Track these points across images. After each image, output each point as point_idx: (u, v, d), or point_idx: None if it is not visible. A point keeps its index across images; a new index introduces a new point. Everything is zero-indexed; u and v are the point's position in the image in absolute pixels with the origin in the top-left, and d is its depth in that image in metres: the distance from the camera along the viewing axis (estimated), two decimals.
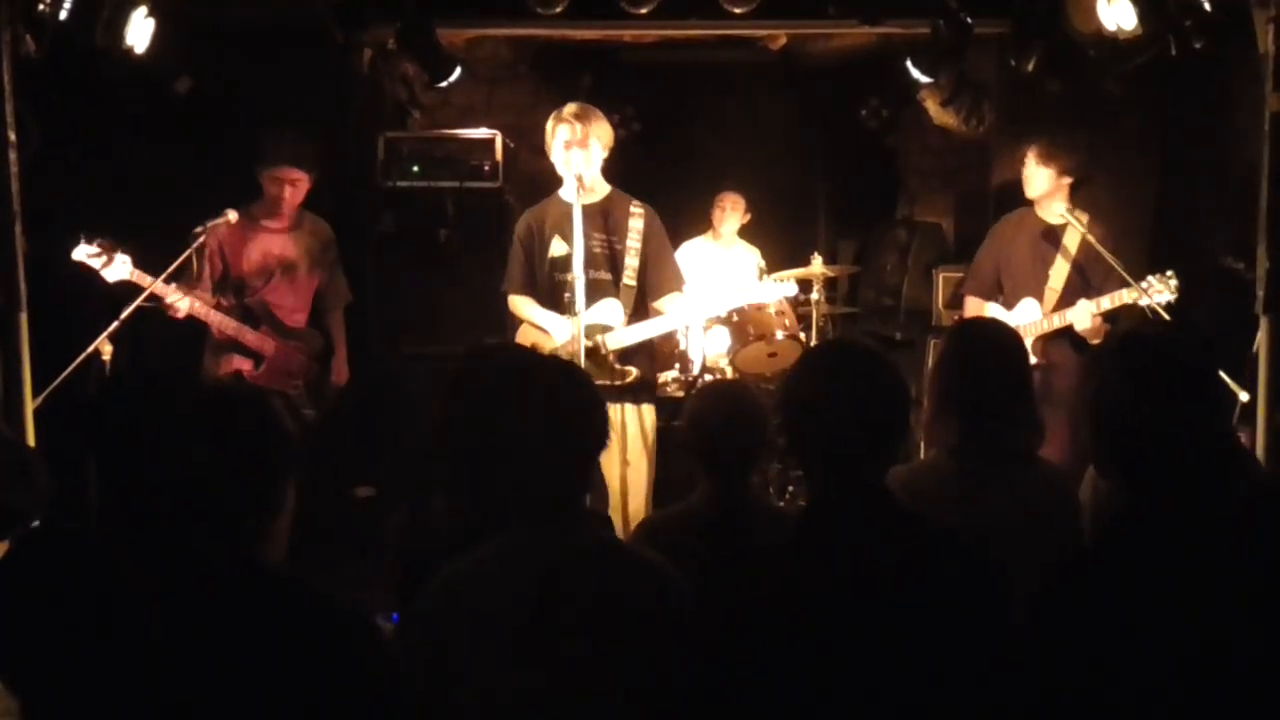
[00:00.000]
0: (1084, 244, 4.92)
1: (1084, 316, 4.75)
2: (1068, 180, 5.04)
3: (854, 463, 2.18)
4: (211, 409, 2.33)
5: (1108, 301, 4.72)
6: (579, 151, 4.55)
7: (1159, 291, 4.58)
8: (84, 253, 4.58)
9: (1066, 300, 4.92)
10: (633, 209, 4.72)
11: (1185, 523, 2.03)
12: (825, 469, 2.22)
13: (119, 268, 4.59)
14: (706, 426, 3.05)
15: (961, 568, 2.17)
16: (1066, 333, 4.88)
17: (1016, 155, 5.15)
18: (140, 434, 2.47)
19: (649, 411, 4.76)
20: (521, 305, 4.78)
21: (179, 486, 2.25)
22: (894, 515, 2.21)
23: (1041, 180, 5.03)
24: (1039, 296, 5.02)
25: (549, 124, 4.64)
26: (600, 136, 4.61)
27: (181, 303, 4.70)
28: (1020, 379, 3.03)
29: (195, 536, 2.20)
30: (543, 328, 4.67)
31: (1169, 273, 4.62)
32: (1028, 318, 5.01)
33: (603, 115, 4.68)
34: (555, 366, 2.46)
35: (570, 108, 4.63)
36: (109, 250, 4.58)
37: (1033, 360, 4.97)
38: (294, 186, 4.98)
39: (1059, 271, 4.99)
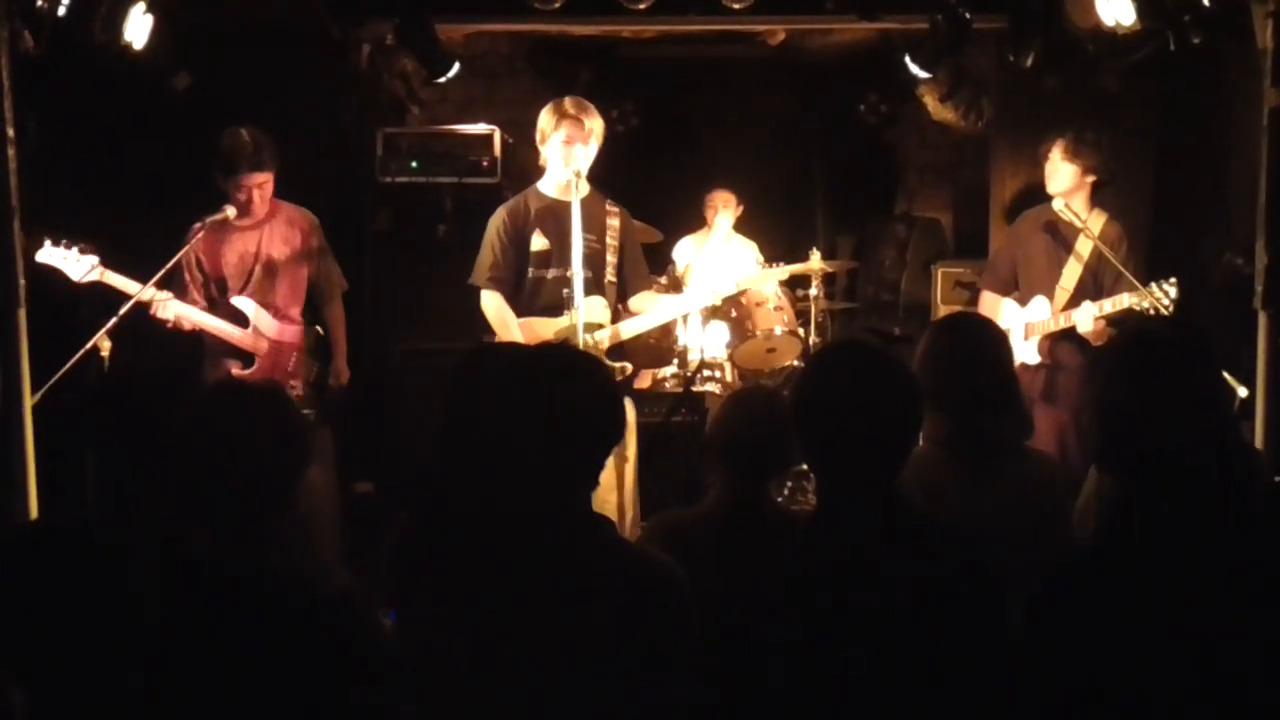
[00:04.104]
0: (1097, 245, 4.90)
1: (1086, 319, 4.72)
2: (1091, 179, 4.98)
3: (864, 466, 2.17)
4: (223, 404, 2.33)
5: (1109, 305, 4.69)
6: (582, 147, 4.52)
7: (1160, 297, 4.57)
8: (49, 255, 4.54)
9: (1076, 300, 4.87)
10: (609, 207, 4.70)
11: (1186, 518, 2.03)
12: (835, 472, 2.20)
13: (87, 269, 4.55)
14: (732, 429, 3.05)
15: (969, 575, 2.16)
16: (1073, 334, 4.85)
17: (1040, 149, 5.05)
18: (144, 430, 2.48)
19: (629, 407, 4.75)
20: (493, 308, 4.65)
21: (181, 483, 2.25)
22: (902, 519, 2.19)
23: (1065, 176, 4.96)
24: (1050, 295, 4.99)
25: (547, 118, 4.58)
26: (599, 133, 4.58)
27: (165, 310, 4.66)
28: (1004, 370, 3.04)
29: (196, 532, 2.20)
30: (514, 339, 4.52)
31: (1171, 279, 4.61)
32: (1037, 315, 5.00)
33: (595, 110, 4.65)
34: (568, 357, 2.44)
35: (570, 102, 4.58)
36: (82, 251, 4.55)
37: (1038, 359, 4.97)
38: (261, 189, 4.87)
39: (1071, 271, 4.95)
